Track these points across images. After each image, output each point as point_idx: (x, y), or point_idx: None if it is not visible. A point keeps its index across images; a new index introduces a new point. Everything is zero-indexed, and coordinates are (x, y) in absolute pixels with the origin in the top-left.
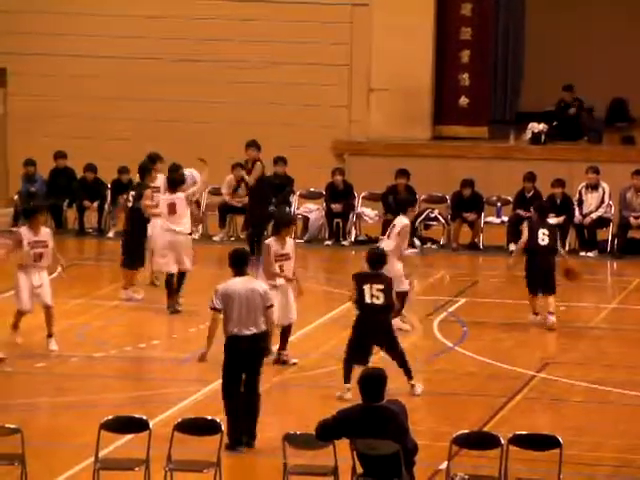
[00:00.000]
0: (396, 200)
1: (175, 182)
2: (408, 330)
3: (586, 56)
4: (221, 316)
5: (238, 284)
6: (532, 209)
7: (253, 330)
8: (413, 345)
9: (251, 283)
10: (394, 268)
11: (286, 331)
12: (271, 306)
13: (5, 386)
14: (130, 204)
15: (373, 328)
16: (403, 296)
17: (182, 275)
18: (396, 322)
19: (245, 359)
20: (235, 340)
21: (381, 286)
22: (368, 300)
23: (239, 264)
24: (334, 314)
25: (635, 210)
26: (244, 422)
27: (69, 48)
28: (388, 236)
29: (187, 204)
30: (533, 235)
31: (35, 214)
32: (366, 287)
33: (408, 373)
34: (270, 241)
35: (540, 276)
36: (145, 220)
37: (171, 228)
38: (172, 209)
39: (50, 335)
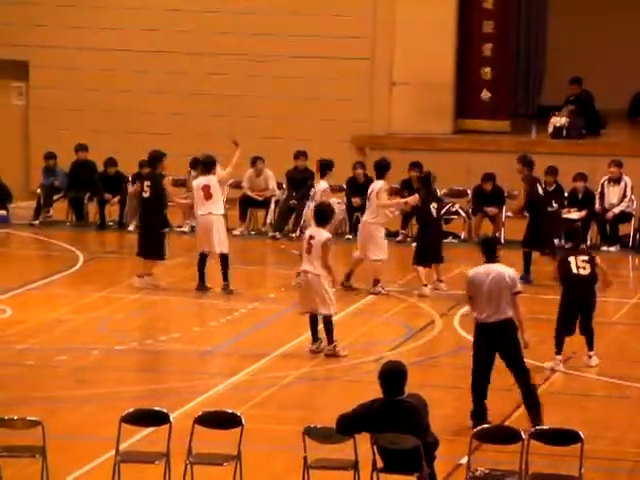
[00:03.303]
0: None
1: (209, 164)
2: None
3: (608, 49)
4: None
5: (483, 270)
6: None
7: (498, 317)
8: (433, 339)
9: (497, 269)
10: (379, 235)
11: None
12: (518, 293)
13: (26, 379)
14: (147, 195)
15: None
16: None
17: (222, 258)
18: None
19: (494, 347)
20: (483, 327)
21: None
22: None
23: (489, 251)
24: (354, 308)
25: None
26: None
27: (91, 41)
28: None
29: (220, 186)
30: (424, 207)
31: None
32: None
33: None
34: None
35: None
36: (162, 210)
37: (205, 212)
38: (207, 192)
39: None
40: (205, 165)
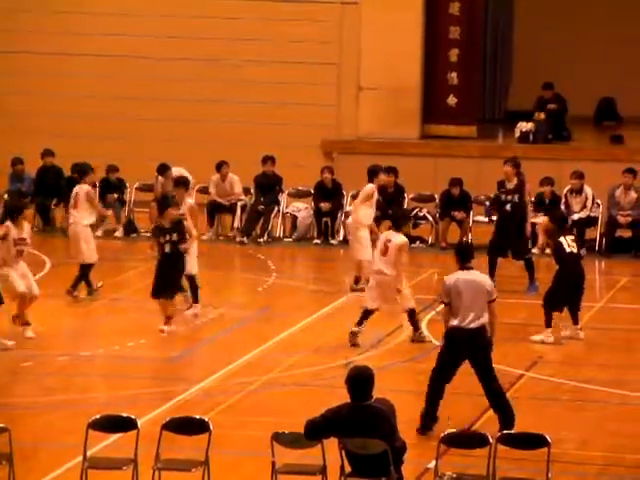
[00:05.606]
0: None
1: (81, 173)
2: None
3: (574, 55)
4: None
5: (462, 277)
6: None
7: (477, 323)
8: (401, 344)
9: (476, 277)
10: (362, 235)
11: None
12: (494, 300)
13: None
14: None
15: None
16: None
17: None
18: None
19: (466, 353)
20: (458, 333)
21: None
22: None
23: (464, 257)
24: (322, 313)
25: (623, 209)
26: (500, 416)
27: (56, 46)
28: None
29: (87, 197)
30: None
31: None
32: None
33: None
34: None
35: None
36: None
37: (72, 220)
38: (75, 200)
39: (28, 323)
40: (78, 173)
